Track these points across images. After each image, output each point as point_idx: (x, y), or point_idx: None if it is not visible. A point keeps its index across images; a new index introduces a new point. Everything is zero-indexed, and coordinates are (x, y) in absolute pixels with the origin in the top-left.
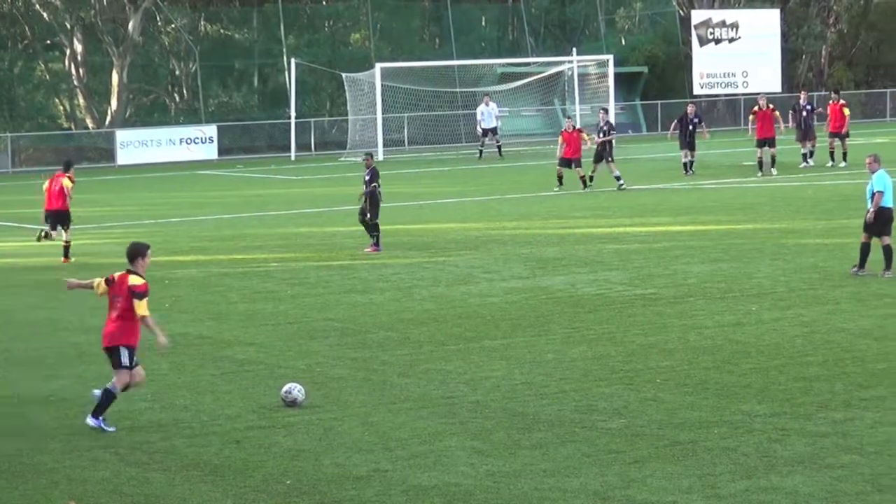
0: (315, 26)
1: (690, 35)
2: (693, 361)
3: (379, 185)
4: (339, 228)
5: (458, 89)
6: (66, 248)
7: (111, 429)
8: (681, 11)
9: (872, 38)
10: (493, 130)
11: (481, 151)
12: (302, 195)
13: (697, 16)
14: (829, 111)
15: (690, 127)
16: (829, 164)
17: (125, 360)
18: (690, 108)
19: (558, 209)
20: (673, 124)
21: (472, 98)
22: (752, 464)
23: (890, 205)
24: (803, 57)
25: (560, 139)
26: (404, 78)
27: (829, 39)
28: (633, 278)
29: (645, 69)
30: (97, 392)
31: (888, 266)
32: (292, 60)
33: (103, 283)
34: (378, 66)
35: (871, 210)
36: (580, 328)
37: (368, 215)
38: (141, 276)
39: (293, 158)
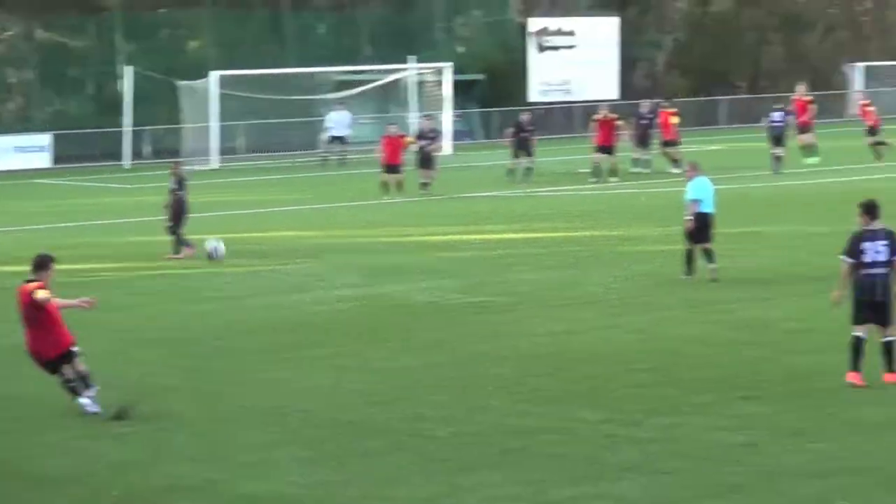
0: (153, 34)
1: (527, 42)
2: (524, 369)
3: (185, 193)
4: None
5: (295, 97)
6: None
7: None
8: (519, 19)
9: (708, 46)
10: (342, 139)
11: (325, 159)
12: (136, 204)
13: (534, 23)
14: (660, 119)
15: (524, 134)
16: (669, 169)
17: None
18: (525, 117)
19: (395, 217)
20: (508, 132)
21: (311, 106)
22: (580, 471)
23: (708, 210)
24: (640, 64)
25: (381, 144)
26: (242, 86)
27: (666, 47)
28: (466, 286)
29: (482, 76)
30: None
31: (711, 261)
32: (128, 68)
33: None
34: (214, 73)
35: (689, 218)
36: (411, 337)
37: (171, 224)
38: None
39: (128, 167)
